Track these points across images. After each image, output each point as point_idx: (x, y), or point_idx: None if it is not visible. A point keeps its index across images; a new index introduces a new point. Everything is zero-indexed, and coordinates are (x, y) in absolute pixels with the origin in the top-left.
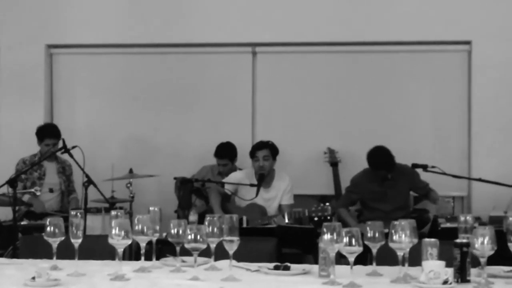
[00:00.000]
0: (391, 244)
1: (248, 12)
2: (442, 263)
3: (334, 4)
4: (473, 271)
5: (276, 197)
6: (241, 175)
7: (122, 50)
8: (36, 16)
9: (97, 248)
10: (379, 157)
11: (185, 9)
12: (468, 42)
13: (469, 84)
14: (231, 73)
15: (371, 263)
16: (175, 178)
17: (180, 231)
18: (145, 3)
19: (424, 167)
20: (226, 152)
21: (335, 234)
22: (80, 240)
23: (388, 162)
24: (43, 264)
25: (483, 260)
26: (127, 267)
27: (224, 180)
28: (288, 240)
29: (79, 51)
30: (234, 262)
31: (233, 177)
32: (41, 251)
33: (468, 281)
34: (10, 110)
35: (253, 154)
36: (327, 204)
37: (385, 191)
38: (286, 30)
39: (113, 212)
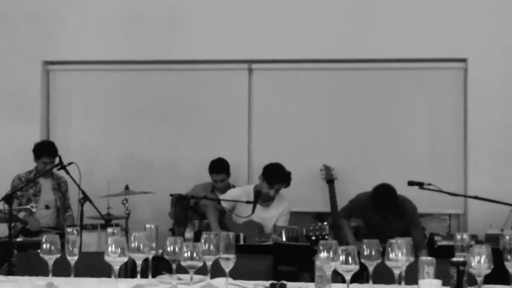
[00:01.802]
0: (387, 263)
1: (244, 29)
2: (439, 282)
3: (330, 21)
4: None
5: (273, 218)
6: (239, 192)
7: (118, 66)
8: (33, 32)
9: (93, 265)
10: (383, 197)
11: (181, 26)
12: (463, 60)
13: (465, 102)
14: (227, 90)
15: (367, 282)
16: (171, 195)
17: (176, 249)
18: (141, 20)
19: (420, 185)
20: (222, 167)
21: (331, 252)
22: (76, 258)
23: (390, 204)
24: (39, 281)
25: (479, 279)
26: (123, 285)
27: (221, 197)
28: (285, 258)
29: (76, 67)
30: (230, 279)
31: (231, 194)
32: (37, 268)
33: None
34: (6, 126)
35: (271, 183)
36: (325, 223)
37: (382, 226)
38: (282, 47)
39: (109, 229)
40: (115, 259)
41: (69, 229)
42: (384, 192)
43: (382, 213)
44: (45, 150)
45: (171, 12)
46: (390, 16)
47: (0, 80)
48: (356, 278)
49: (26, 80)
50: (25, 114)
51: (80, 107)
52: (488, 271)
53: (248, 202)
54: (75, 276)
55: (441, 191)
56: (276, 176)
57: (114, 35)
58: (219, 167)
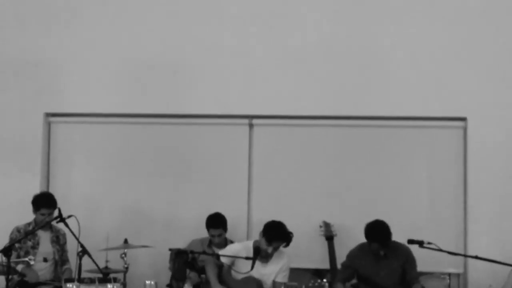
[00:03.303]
0: None
1: (245, 85)
2: None
3: (331, 78)
4: None
5: (272, 273)
6: (239, 247)
7: (119, 119)
8: (35, 84)
9: None
10: (376, 228)
11: (182, 80)
12: (463, 119)
13: (465, 160)
14: (227, 145)
15: None
16: (170, 250)
17: None
18: (142, 74)
19: (420, 243)
20: (219, 221)
21: None
22: None
23: (383, 235)
24: None
25: None
26: None
27: (220, 252)
28: None
29: (77, 120)
30: None
31: (230, 249)
32: None
33: None
34: (6, 178)
35: (270, 240)
36: (324, 280)
37: (378, 271)
38: (282, 103)
39: (109, 286)
40: None
41: (68, 284)
42: (377, 224)
43: (375, 248)
44: (44, 202)
45: (172, 66)
46: (390, 74)
47: (1, 130)
48: None
49: (27, 132)
50: (25, 165)
51: (81, 159)
52: None
53: (247, 258)
54: None
55: (441, 250)
56: (275, 234)
57: (115, 88)
58: (216, 222)
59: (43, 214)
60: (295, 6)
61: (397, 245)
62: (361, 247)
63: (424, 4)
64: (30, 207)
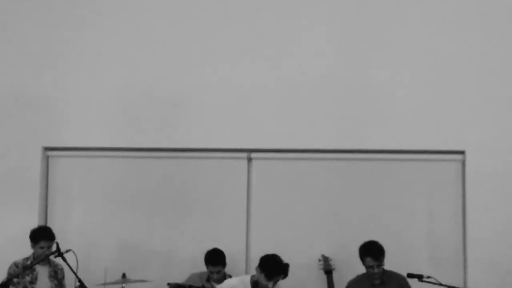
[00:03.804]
0: None
1: (244, 118)
2: None
3: (330, 112)
4: None
5: None
6: (236, 282)
7: (118, 153)
8: (34, 118)
9: None
10: (368, 244)
11: (180, 114)
12: (462, 152)
13: (464, 194)
14: (226, 179)
15: None
16: (168, 284)
17: None
18: (140, 108)
19: (420, 277)
20: (218, 259)
21: None
22: None
23: (376, 249)
24: None
25: None
26: None
27: (218, 287)
28: None
29: (76, 154)
30: None
31: (227, 284)
32: None
33: None
34: (4, 212)
35: (270, 276)
36: None
37: None
38: (281, 137)
39: None
40: None
41: None
42: (369, 241)
43: (370, 264)
44: (42, 234)
45: (171, 100)
46: (389, 108)
47: (0, 164)
48: None
49: (25, 165)
50: (23, 199)
51: (79, 193)
52: None
53: None
54: None
55: (440, 284)
56: (275, 269)
57: (114, 122)
58: (215, 259)
59: (42, 247)
60: (295, 40)
61: (393, 274)
62: (358, 277)
63: (423, 40)
64: (27, 242)
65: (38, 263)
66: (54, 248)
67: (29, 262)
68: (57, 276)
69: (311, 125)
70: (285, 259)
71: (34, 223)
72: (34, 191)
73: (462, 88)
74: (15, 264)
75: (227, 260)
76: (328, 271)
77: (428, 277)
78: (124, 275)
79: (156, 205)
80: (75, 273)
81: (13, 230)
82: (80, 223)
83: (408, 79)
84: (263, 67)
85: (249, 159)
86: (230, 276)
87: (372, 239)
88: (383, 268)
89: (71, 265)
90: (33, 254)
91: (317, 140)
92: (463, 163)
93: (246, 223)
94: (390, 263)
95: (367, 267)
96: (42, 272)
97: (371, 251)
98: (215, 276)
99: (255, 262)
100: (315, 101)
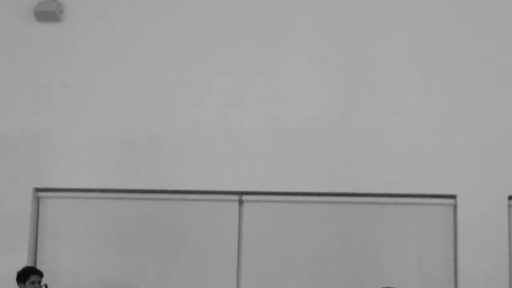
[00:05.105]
0: None
1: (235, 160)
2: None
3: (322, 155)
4: None
5: None
6: None
7: (109, 195)
8: (25, 158)
9: None
10: None
11: (171, 156)
12: (453, 196)
13: (455, 238)
14: (217, 222)
15: None
16: None
17: None
18: (131, 150)
19: None
20: None
21: None
22: None
23: None
24: None
25: None
26: None
27: None
28: None
29: (67, 195)
30: None
31: None
32: None
33: None
34: None
35: None
36: None
37: None
38: (273, 179)
39: None
40: None
41: None
42: None
43: None
44: (32, 270)
45: (162, 142)
46: (380, 151)
47: None
48: None
49: (16, 207)
50: (13, 241)
51: (69, 234)
52: None
53: None
54: None
55: None
56: None
57: (105, 164)
58: None
59: (33, 282)
60: (287, 82)
61: None
62: None
63: (414, 84)
64: (15, 285)
65: None
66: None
67: None
68: None
69: (303, 168)
70: None
71: (24, 264)
72: (24, 232)
73: (454, 132)
74: None
75: None
76: None
77: None
78: None
79: (146, 247)
80: None
81: (2, 270)
82: (70, 264)
83: (400, 123)
84: (255, 109)
85: (241, 202)
86: None
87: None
88: None
89: None
90: None
91: (308, 182)
92: (455, 207)
93: (236, 267)
94: None
95: None
96: None
97: None
98: None
99: None
100: (307, 144)
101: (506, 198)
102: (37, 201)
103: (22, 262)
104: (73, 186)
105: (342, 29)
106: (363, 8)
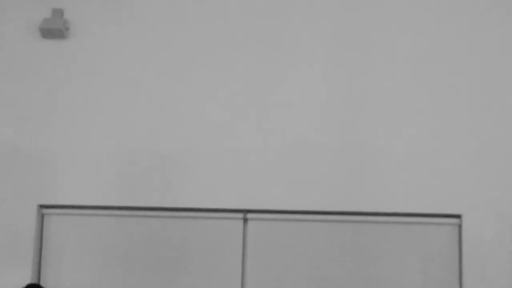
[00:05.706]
0: None
1: (240, 178)
2: None
3: (327, 173)
4: None
5: None
6: None
7: (113, 212)
8: (29, 176)
9: None
10: None
11: (175, 173)
12: (458, 216)
13: (460, 258)
14: (220, 240)
15: None
16: None
17: None
18: (136, 167)
19: None
20: None
21: None
22: None
23: None
24: None
25: None
26: None
27: None
28: None
29: (71, 212)
30: None
31: None
32: None
33: None
34: None
35: None
36: None
37: None
38: (278, 197)
39: None
40: None
41: None
42: None
43: None
44: (36, 287)
45: (166, 159)
46: (384, 170)
47: None
48: None
49: (20, 224)
50: (16, 258)
51: (73, 251)
52: None
53: None
54: None
55: None
56: None
57: (110, 180)
58: None
59: None
60: (290, 100)
61: None
62: None
63: (417, 103)
64: None
65: None
66: None
67: None
68: None
69: (308, 186)
70: None
71: (28, 281)
72: (28, 250)
73: (459, 152)
74: None
75: None
76: None
77: None
78: None
79: (150, 265)
80: None
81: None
82: (74, 281)
83: (404, 141)
84: (260, 128)
85: (245, 220)
86: None
87: None
88: None
89: None
90: None
91: (313, 201)
92: (460, 226)
93: (241, 285)
94: None
95: None
96: None
97: None
98: None
99: None
100: (313, 162)
101: None
102: (41, 218)
103: (26, 279)
104: (77, 203)
105: (345, 47)
106: (365, 25)
